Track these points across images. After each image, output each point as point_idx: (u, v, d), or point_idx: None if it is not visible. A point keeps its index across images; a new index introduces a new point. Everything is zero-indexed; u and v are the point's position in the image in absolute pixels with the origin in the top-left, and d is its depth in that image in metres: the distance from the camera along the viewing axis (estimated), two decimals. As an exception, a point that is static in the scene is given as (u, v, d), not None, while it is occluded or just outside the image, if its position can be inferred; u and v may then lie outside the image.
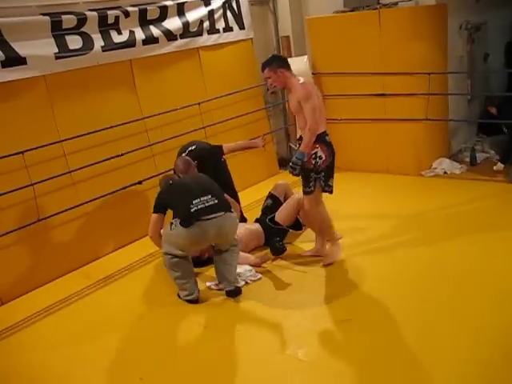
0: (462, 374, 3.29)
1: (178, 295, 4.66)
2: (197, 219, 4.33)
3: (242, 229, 5.22)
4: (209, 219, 4.35)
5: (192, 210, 4.33)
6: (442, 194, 6.35)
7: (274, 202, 5.72)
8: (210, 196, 4.42)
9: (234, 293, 4.62)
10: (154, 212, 4.68)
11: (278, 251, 5.06)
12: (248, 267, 4.93)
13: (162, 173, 6.26)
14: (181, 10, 6.59)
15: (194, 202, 4.35)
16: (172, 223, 4.46)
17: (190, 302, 4.60)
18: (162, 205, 4.66)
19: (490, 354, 3.44)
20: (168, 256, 4.55)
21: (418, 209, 5.92)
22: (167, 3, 6.41)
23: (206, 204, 4.38)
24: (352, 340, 3.84)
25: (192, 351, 3.98)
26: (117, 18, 5.87)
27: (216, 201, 4.43)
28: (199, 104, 6.68)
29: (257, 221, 5.61)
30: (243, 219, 5.79)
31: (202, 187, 4.52)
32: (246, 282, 4.80)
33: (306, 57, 7.57)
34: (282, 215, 5.42)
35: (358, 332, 3.91)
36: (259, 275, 4.88)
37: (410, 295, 4.29)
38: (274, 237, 5.39)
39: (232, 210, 4.58)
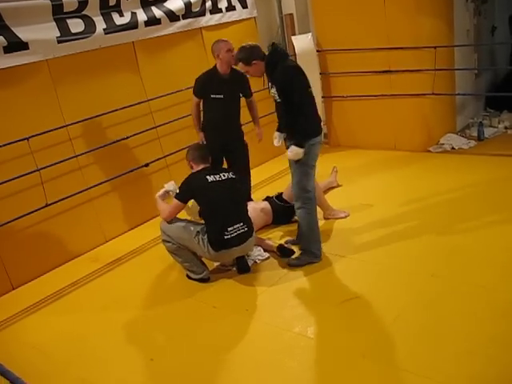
0: (470, 347, 3.29)
1: (188, 276, 4.69)
2: (227, 247, 4.43)
3: (248, 208, 5.21)
4: (237, 247, 4.46)
5: (226, 238, 4.39)
6: (450, 170, 6.31)
7: None
8: (241, 224, 4.47)
9: (243, 270, 4.68)
10: (177, 198, 4.49)
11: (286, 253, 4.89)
12: (257, 247, 4.94)
13: (168, 155, 6.28)
14: (182, -10, 6.50)
15: (228, 230, 4.39)
16: (199, 232, 4.45)
17: (200, 281, 4.63)
18: (191, 196, 4.55)
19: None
20: (168, 243, 4.57)
21: (427, 185, 5.88)
22: (168, -17, 6.32)
23: (238, 232, 4.44)
24: (358, 317, 3.84)
25: (201, 331, 4.00)
26: (118, -1, 5.82)
27: (246, 228, 4.49)
28: (204, 84, 6.62)
29: (266, 199, 5.61)
30: (249, 199, 5.77)
31: (237, 210, 4.53)
32: (255, 262, 4.82)
33: (309, 34, 7.50)
34: (288, 192, 5.39)
35: (363, 309, 3.92)
36: (267, 254, 4.89)
37: (417, 272, 4.27)
38: (283, 215, 5.42)
39: (254, 230, 4.68)
